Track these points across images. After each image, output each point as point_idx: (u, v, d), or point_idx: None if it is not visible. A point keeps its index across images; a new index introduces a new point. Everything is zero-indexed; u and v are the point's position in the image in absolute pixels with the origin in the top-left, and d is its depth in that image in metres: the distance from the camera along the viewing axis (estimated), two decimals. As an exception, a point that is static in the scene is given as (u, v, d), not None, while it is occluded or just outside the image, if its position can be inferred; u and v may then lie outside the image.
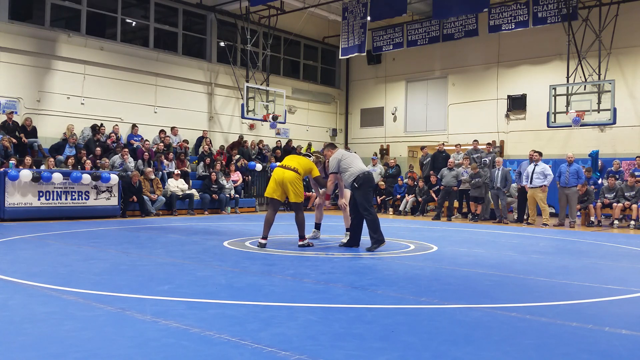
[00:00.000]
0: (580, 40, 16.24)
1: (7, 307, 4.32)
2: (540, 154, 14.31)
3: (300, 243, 8.32)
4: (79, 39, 16.30)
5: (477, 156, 16.23)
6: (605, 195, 14.36)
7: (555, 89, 16.06)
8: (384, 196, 18.58)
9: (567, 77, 16.31)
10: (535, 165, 14.04)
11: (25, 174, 12.22)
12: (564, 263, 7.31)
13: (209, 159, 17.23)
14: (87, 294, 4.77)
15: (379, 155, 21.67)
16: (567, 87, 16.01)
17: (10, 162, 12.84)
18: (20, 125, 14.55)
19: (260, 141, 20.37)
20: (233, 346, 3.41)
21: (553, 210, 16.04)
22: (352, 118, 24.45)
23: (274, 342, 3.48)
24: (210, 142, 18.38)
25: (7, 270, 5.83)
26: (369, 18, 18.14)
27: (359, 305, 4.60)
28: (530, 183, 14.01)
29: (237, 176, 17.38)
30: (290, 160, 8.47)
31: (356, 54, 18.82)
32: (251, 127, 20.82)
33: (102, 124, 16.11)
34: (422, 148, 19.24)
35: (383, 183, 18.55)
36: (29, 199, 12.39)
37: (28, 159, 13.08)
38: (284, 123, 20.02)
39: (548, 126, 16.54)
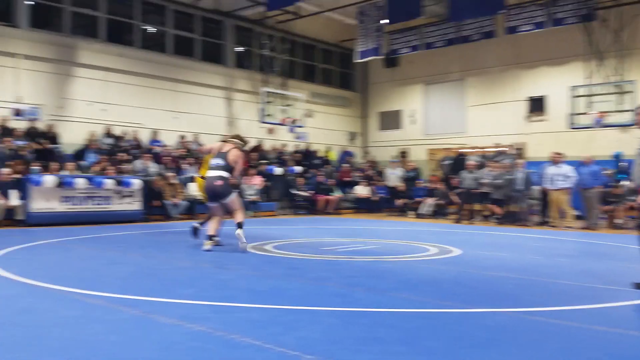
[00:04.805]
0: (599, 41, 16.07)
1: (33, 311, 4.38)
2: (562, 155, 14.15)
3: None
4: (99, 45, 16.51)
5: (499, 158, 16.12)
6: (631, 197, 14.14)
7: (575, 90, 15.90)
8: (404, 199, 18.52)
9: (587, 78, 16.14)
10: (557, 167, 13.89)
11: (49, 180, 12.38)
12: (589, 266, 7.22)
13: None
14: (112, 298, 4.82)
15: (398, 159, 21.61)
16: (588, 88, 15.84)
17: (34, 168, 13.02)
18: (42, 131, 14.77)
19: (283, 145, 20.46)
20: (257, 350, 3.42)
21: (576, 213, 15.83)
22: (370, 121, 24.42)
23: (297, 346, 3.49)
24: (230, 147, 18.43)
25: (33, 275, 5.91)
26: (385, 21, 18.11)
27: (381, 310, 4.59)
28: (553, 185, 13.86)
29: (256, 180, 17.44)
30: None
31: (373, 57, 18.80)
32: (270, 131, 20.89)
33: (125, 133, 16.30)
34: (446, 149, 19.20)
35: (402, 185, 18.50)
36: (52, 204, 12.55)
37: (54, 165, 13.26)
38: (302, 127, 20.06)
39: (569, 128, 16.38)
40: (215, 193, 8.15)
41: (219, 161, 8.21)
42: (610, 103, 15.14)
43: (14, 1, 15.00)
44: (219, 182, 8.08)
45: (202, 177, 8.80)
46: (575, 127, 16.18)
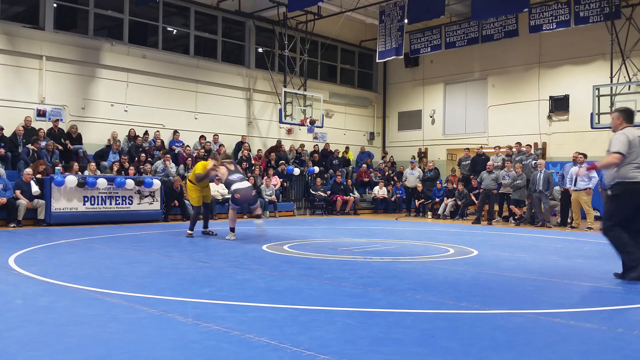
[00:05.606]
0: (623, 40, 15.85)
1: (53, 309, 4.44)
2: (584, 155, 13.97)
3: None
4: (122, 47, 16.70)
5: (520, 158, 15.95)
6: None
7: (598, 89, 15.69)
8: (422, 200, 18.45)
9: (611, 77, 15.92)
10: (579, 167, 13.72)
11: (71, 180, 12.56)
12: (609, 268, 7.11)
13: (246, 163, 17.42)
14: (130, 297, 4.87)
15: (417, 159, 21.52)
16: (611, 88, 15.62)
17: (56, 168, 13.21)
18: (65, 132, 14.98)
19: (301, 145, 20.49)
20: (272, 349, 3.43)
21: (598, 214, 15.62)
22: (390, 121, 24.35)
23: (312, 346, 3.49)
24: (249, 147, 18.58)
25: (53, 274, 6.00)
26: (406, 21, 18.02)
27: (397, 310, 4.58)
28: (574, 186, 13.69)
29: (275, 180, 17.50)
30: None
31: (393, 57, 18.73)
32: (289, 131, 20.94)
33: (146, 132, 16.46)
34: (466, 149, 19.07)
35: (421, 186, 18.43)
36: (74, 204, 12.73)
37: (76, 166, 13.44)
38: (321, 127, 20.07)
39: (592, 127, 16.16)
40: (248, 200, 9.76)
41: (242, 176, 9.86)
42: (634, 103, 14.86)
43: (40, 4, 15.24)
44: (254, 192, 9.91)
45: (192, 182, 10.31)
46: (597, 127, 15.94)
